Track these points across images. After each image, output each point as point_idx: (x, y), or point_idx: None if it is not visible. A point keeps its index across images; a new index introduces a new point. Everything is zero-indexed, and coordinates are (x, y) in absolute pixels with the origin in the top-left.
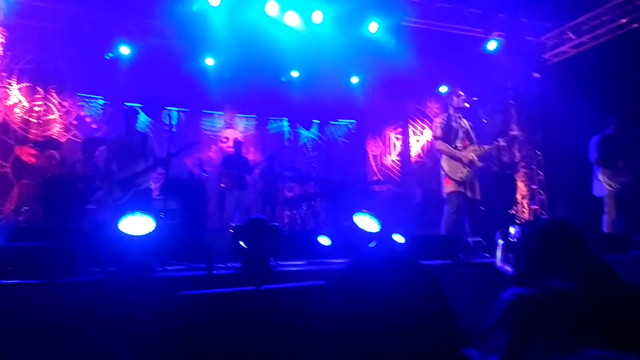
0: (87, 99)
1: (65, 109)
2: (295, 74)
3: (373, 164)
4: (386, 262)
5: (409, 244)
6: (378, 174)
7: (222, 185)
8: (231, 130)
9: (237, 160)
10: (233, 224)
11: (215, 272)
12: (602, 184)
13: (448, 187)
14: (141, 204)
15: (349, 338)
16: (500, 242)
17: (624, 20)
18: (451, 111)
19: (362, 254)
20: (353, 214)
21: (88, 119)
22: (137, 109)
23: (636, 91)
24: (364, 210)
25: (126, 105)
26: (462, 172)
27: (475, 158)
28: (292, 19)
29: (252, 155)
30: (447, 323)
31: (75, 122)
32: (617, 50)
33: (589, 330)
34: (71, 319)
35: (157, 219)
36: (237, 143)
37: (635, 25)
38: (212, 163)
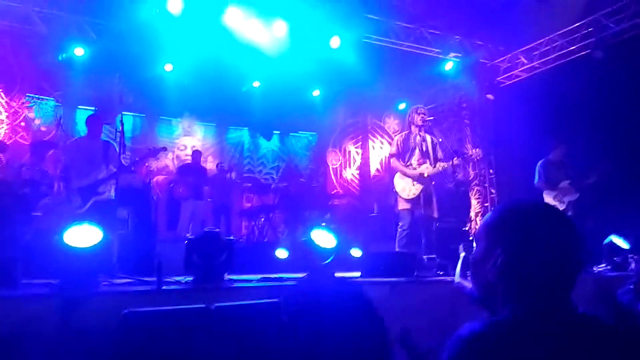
0: (36, 100)
1: (13, 110)
2: (256, 84)
3: (333, 176)
4: (335, 291)
5: (365, 260)
6: (337, 187)
7: (180, 190)
8: (189, 138)
9: (194, 170)
10: (188, 235)
11: (165, 287)
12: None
13: (400, 204)
14: (102, 214)
15: (299, 357)
16: (462, 254)
17: (572, 47)
18: (412, 128)
19: (312, 278)
20: (310, 228)
21: (37, 121)
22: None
23: (584, 114)
24: (322, 224)
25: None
26: (410, 190)
27: (426, 174)
28: (254, 31)
29: (210, 164)
30: (383, 341)
31: (23, 124)
32: (566, 75)
33: None
34: (8, 336)
35: (106, 230)
36: (196, 153)
37: (583, 52)
38: (167, 171)
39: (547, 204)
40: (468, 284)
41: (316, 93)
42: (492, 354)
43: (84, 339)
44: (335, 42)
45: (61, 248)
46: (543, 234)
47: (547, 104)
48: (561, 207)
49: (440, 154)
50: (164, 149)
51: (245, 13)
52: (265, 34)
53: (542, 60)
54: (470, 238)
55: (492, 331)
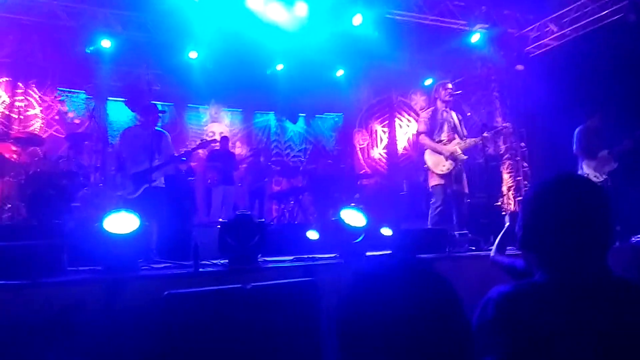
0: (68, 94)
1: (46, 104)
2: (280, 67)
3: (360, 157)
4: (390, 264)
5: (396, 237)
6: (365, 167)
7: (209, 181)
8: (217, 125)
9: (223, 156)
10: (221, 220)
11: (202, 269)
12: (588, 175)
13: (432, 181)
14: (153, 200)
15: (343, 335)
16: (506, 225)
17: (604, 12)
18: (438, 104)
19: (362, 265)
20: (340, 209)
21: (70, 114)
22: (161, 109)
23: (617, 82)
24: (351, 204)
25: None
26: (444, 166)
27: (459, 151)
28: (276, 12)
29: (238, 149)
30: (458, 322)
31: (57, 118)
32: (598, 41)
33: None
34: (55, 320)
35: (149, 216)
36: (224, 138)
37: (616, 17)
38: (198, 157)
39: (579, 176)
40: (504, 258)
41: (340, 73)
42: (521, 313)
43: (127, 320)
44: (357, 19)
45: (102, 235)
46: (573, 205)
47: (578, 73)
48: (601, 177)
49: (465, 131)
50: (214, 140)
51: None
52: (287, 15)
53: (572, 27)
54: (504, 213)
55: (521, 291)
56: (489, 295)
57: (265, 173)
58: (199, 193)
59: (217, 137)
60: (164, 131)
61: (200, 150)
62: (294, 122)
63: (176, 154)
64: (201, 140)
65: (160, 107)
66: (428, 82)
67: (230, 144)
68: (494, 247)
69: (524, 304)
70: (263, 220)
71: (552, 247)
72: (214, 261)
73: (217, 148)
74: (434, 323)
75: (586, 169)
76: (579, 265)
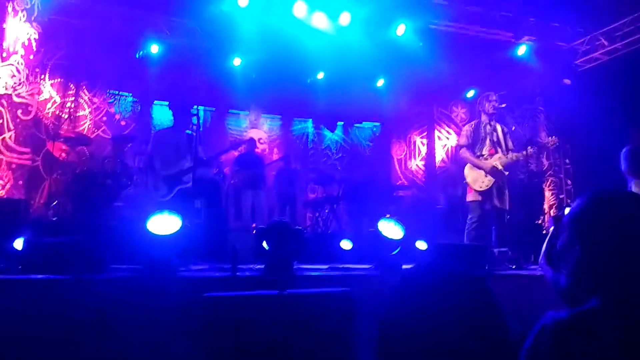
0: (116, 96)
1: (95, 105)
2: (320, 75)
3: (397, 168)
4: (427, 281)
5: (432, 251)
6: (402, 178)
7: (232, 182)
8: (256, 131)
9: (249, 159)
10: (254, 225)
11: (239, 273)
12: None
13: (470, 196)
14: (185, 202)
15: (380, 350)
16: (552, 229)
17: None
18: (482, 117)
19: (403, 273)
20: (377, 220)
21: (117, 116)
22: (195, 110)
23: None
24: (388, 216)
25: (167, 106)
26: (482, 182)
27: (500, 166)
28: (320, 21)
29: (276, 156)
30: (504, 337)
31: (104, 119)
32: None
33: None
34: (96, 315)
35: (184, 219)
36: (250, 141)
37: None
38: (228, 164)
39: (632, 194)
40: (549, 270)
41: (380, 82)
42: (578, 343)
43: (165, 319)
44: (400, 29)
45: (144, 235)
46: (628, 226)
47: (629, 89)
48: None
49: (511, 144)
50: (245, 141)
51: (311, 6)
52: (331, 25)
53: (624, 42)
54: (545, 232)
55: (578, 320)
56: (543, 322)
57: (295, 179)
58: (230, 197)
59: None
60: (193, 134)
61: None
62: (332, 130)
63: (205, 158)
64: (231, 142)
65: (193, 111)
66: (470, 93)
67: (259, 148)
68: (542, 251)
69: (583, 334)
70: (300, 227)
71: (611, 272)
72: (250, 266)
73: (242, 151)
74: (474, 338)
75: (635, 189)
76: (636, 292)
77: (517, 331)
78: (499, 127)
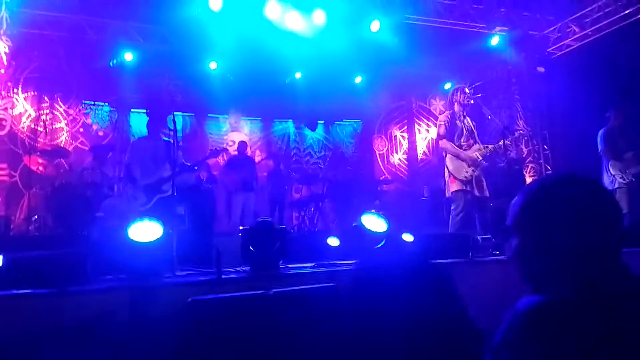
0: (92, 106)
1: (71, 117)
2: (298, 75)
3: (380, 163)
4: (397, 263)
5: (419, 242)
6: (385, 173)
7: (229, 182)
8: (237, 134)
9: (241, 162)
10: (241, 227)
11: (224, 276)
12: (614, 176)
13: (453, 186)
14: (166, 210)
15: (360, 341)
16: None
17: (627, 11)
18: (456, 108)
19: (370, 255)
20: (361, 215)
21: (94, 126)
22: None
23: (638, 83)
24: (372, 210)
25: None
26: (466, 172)
27: (480, 157)
28: (294, 20)
29: (258, 157)
30: (463, 325)
31: (81, 130)
32: (620, 41)
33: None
34: (81, 328)
35: (167, 225)
36: (242, 144)
37: (638, 16)
38: (218, 167)
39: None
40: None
41: (358, 80)
42: (550, 328)
43: (152, 327)
44: (375, 26)
45: (126, 244)
46: (586, 206)
47: (601, 73)
48: (627, 179)
49: (477, 138)
50: (224, 149)
51: (284, 5)
52: (305, 23)
53: (594, 27)
54: None
55: (550, 305)
56: (517, 308)
57: (285, 181)
58: (220, 201)
59: (236, 146)
60: (170, 141)
61: (218, 159)
62: (313, 129)
63: (188, 164)
64: (210, 150)
65: (170, 117)
66: (447, 86)
67: (249, 151)
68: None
69: (555, 320)
70: (284, 227)
71: (569, 255)
72: (237, 268)
73: (235, 154)
74: (432, 316)
75: (612, 170)
76: (602, 271)
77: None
78: (468, 120)
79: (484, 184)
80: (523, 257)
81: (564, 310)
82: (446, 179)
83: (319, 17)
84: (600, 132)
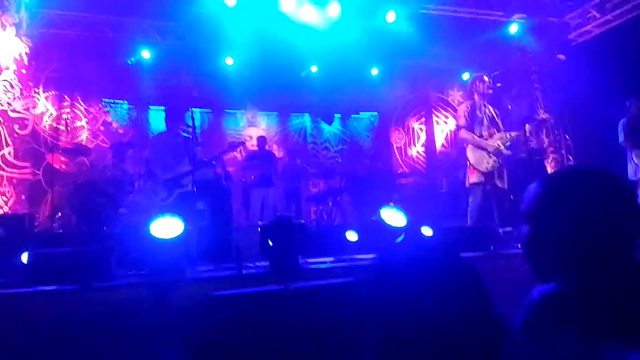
0: (112, 104)
1: (92, 115)
2: (314, 68)
3: (397, 156)
4: (417, 256)
5: (438, 235)
6: (403, 166)
7: (243, 180)
8: (254, 129)
9: (261, 157)
10: (260, 223)
11: (244, 271)
12: (637, 165)
13: (472, 178)
14: (186, 205)
15: (381, 336)
16: None
17: None
18: (476, 98)
19: (389, 249)
20: (379, 208)
21: (114, 124)
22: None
23: None
24: (391, 204)
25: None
26: (487, 163)
27: (502, 146)
28: (309, 14)
29: (275, 152)
30: (488, 319)
31: (102, 128)
32: None
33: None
34: (105, 323)
35: (186, 221)
36: (261, 139)
37: None
38: (236, 162)
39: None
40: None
41: (375, 72)
42: (563, 317)
43: (174, 322)
44: (391, 16)
45: (148, 240)
46: (584, 201)
47: (624, 60)
48: None
49: (501, 126)
50: (242, 143)
51: None
52: (320, 16)
53: (616, 13)
54: None
55: (563, 294)
56: (530, 298)
57: (300, 175)
58: (236, 196)
59: (254, 142)
60: (189, 136)
61: (235, 154)
62: (330, 123)
63: (205, 159)
64: (228, 144)
65: (188, 113)
66: (465, 76)
67: (267, 146)
68: None
69: (568, 308)
70: (303, 222)
71: (580, 246)
72: (256, 263)
73: (255, 149)
74: (455, 314)
75: (636, 159)
76: (613, 263)
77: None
78: (490, 108)
79: (505, 175)
80: (534, 245)
81: (576, 296)
82: (467, 170)
83: (334, 9)
84: (621, 123)
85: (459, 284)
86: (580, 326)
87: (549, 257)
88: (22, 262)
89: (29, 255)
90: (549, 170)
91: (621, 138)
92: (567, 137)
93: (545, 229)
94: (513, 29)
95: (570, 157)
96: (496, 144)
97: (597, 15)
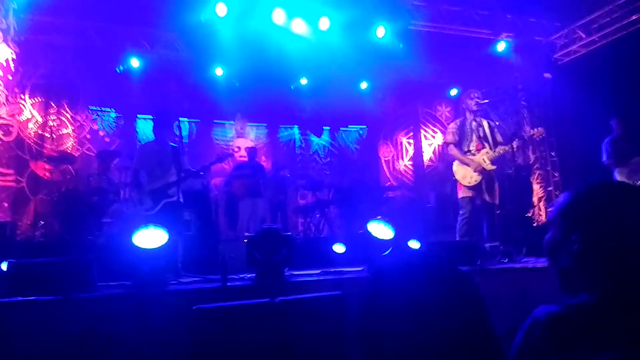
0: (99, 113)
1: (78, 123)
2: (304, 81)
3: (385, 169)
4: (414, 268)
5: (425, 249)
6: (391, 180)
7: (228, 190)
8: (242, 140)
9: (250, 167)
10: (247, 234)
11: (229, 283)
12: None
13: (461, 192)
14: (172, 215)
15: (372, 350)
16: None
17: (634, 17)
18: (467, 114)
19: (380, 263)
20: (367, 222)
21: (101, 133)
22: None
23: None
24: (378, 217)
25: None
26: (471, 177)
27: (487, 161)
28: (299, 27)
29: (264, 163)
30: (488, 334)
31: (88, 136)
32: (628, 47)
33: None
34: (86, 335)
35: (174, 231)
36: (251, 149)
37: None
38: (224, 172)
39: (624, 184)
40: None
41: (364, 86)
42: (570, 336)
43: (156, 334)
44: (380, 32)
45: (131, 250)
46: (622, 217)
47: (609, 80)
48: (636, 184)
49: (499, 137)
50: (230, 154)
51: (289, 13)
52: (310, 31)
53: (601, 34)
54: (535, 224)
55: (571, 313)
56: (534, 315)
57: (285, 186)
58: (222, 207)
59: (243, 152)
60: (177, 145)
61: (224, 164)
62: (318, 135)
63: (193, 169)
64: (217, 155)
65: (176, 123)
66: (453, 92)
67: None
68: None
69: (576, 328)
70: (290, 234)
71: (610, 264)
72: (242, 275)
73: (244, 159)
74: (454, 327)
75: (619, 177)
76: (633, 284)
77: (509, 325)
78: (485, 122)
79: (496, 190)
80: (574, 254)
81: (584, 315)
82: (456, 185)
83: (324, 23)
84: (605, 142)
85: (459, 297)
86: (587, 349)
87: (585, 268)
88: (1, 271)
89: (8, 264)
90: (535, 186)
91: (604, 157)
92: (552, 154)
93: (588, 240)
94: (501, 47)
95: (555, 174)
96: (481, 160)
97: (583, 35)
